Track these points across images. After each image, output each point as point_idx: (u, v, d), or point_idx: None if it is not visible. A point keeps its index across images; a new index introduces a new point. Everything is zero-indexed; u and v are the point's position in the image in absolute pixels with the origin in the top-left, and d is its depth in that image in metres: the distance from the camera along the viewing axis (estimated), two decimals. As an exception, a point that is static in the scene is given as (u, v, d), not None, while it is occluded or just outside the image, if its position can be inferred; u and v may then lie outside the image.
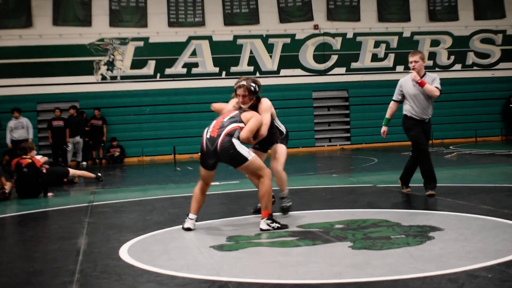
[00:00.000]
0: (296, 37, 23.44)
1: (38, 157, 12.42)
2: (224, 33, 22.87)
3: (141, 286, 4.65)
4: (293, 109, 23.09)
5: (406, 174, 9.28)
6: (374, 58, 24.12)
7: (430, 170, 8.78)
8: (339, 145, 23.73)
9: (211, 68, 22.80)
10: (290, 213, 7.76)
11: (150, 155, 21.87)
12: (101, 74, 22.03)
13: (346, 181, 11.70)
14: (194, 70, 22.67)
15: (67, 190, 12.60)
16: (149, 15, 22.33)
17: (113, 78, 22.09)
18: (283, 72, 23.32)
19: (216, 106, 7.57)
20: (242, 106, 7.06)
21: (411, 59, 8.81)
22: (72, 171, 14.09)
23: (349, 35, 23.87)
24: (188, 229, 6.79)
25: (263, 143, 7.43)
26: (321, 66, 23.66)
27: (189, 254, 5.72)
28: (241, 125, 6.79)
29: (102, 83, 22.01)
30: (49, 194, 11.41)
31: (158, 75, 22.39)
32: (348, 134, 23.96)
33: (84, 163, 20.49)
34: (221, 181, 12.08)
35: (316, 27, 23.56)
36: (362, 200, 9.01)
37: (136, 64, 22.29)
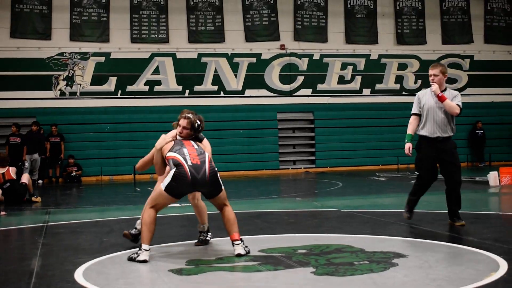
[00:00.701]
0: (262, 57, 23.57)
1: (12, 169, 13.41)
2: (188, 51, 22.90)
3: (96, 311, 4.62)
4: (257, 130, 23.18)
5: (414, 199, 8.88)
6: (341, 80, 24.33)
7: (412, 199, 8.76)
8: (304, 168, 23.81)
9: (174, 86, 22.78)
10: (253, 236, 7.76)
11: (109, 175, 21.68)
12: (60, 90, 21.84)
13: (310, 205, 11.76)
14: (157, 88, 22.62)
15: (22, 209, 12.42)
16: (112, 30, 22.26)
17: (73, 94, 21.93)
18: (248, 92, 23.39)
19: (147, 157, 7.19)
20: (179, 137, 6.98)
21: (431, 72, 8.40)
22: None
23: (316, 56, 24.08)
24: (144, 261, 6.29)
25: None
26: (287, 87, 23.80)
27: (147, 278, 5.70)
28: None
29: (61, 99, 21.82)
30: (2, 213, 11.27)
31: (119, 92, 22.29)
32: (313, 157, 24.06)
33: (40, 181, 20.23)
34: (181, 203, 12.04)
35: (282, 47, 23.73)
36: (326, 224, 9.06)
37: (97, 80, 22.16)
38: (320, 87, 24.09)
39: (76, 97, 21.94)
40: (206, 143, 7.24)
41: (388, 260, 6.10)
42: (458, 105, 8.21)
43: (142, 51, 22.50)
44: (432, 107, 8.39)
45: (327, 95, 24.09)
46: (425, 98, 8.54)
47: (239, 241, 6.60)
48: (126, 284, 5.42)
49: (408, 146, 8.73)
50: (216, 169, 6.79)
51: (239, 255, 6.46)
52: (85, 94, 22.00)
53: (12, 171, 13.56)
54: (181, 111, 7.14)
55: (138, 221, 7.34)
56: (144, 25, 22.56)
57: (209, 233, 7.50)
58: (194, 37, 22.93)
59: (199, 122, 7.02)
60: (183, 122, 6.97)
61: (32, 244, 7.82)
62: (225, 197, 6.87)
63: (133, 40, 22.45)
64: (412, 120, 8.75)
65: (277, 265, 6.03)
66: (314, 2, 24.05)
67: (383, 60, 24.65)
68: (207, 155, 6.81)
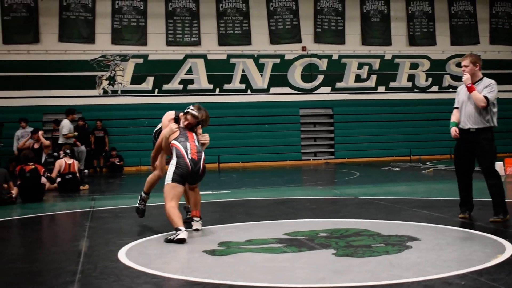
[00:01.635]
0: (285, 58, 23.53)
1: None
2: (218, 53, 22.93)
3: (138, 287, 4.64)
4: (281, 125, 23.16)
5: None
6: (358, 78, 24.22)
7: (461, 196, 7.92)
8: (324, 159, 23.75)
9: (205, 84, 22.84)
10: (277, 221, 7.76)
11: (148, 165, 21.75)
12: (103, 88, 22.03)
13: (330, 192, 11.72)
14: (190, 87, 22.69)
15: (71, 195, 12.52)
16: (149, 34, 22.38)
17: (114, 92, 22.09)
18: (273, 90, 23.37)
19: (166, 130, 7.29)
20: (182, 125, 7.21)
21: (462, 63, 7.64)
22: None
23: (335, 57, 23.98)
24: (183, 240, 6.35)
25: None
26: (308, 85, 23.75)
27: (183, 258, 5.72)
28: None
29: (104, 97, 22.01)
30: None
31: (156, 90, 22.41)
32: (332, 149, 23.99)
33: (86, 171, 20.38)
34: (213, 191, 12.09)
35: (304, 48, 23.66)
36: (345, 210, 9.02)
37: (136, 79, 22.30)
38: (338, 85, 24.01)
39: (118, 95, 22.10)
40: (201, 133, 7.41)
41: (402, 243, 6.06)
42: (485, 96, 7.32)
43: (176, 53, 22.58)
44: (464, 99, 7.70)
45: (345, 92, 24.00)
46: (462, 90, 7.83)
47: (199, 218, 7.22)
48: (164, 263, 5.44)
49: (453, 129, 7.84)
50: (205, 165, 7.10)
51: (196, 230, 7.08)
52: (125, 92, 22.15)
53: (76, 165, 13.72)
54: (193, 105, 7.31)
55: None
56: (178, 30, 22.62)
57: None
58: (223, 40, 22.95)
59: (202, 119, 7.21)
60: (190, 118, 7.17)
61: (80, 227, 7.88)
62: None
63: (168, 43, 22.53)
64: (455, 113, 7.93)
65: (301, 247, 6.02)
66: (333, 8, 23.94)
67: (396, 60, 24.48)
68: (203, 155, 7.08)
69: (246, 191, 12.44)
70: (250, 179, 16.20)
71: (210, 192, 11.75)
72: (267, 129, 23.10)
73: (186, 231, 6.49)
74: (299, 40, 23.58)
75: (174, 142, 6.95)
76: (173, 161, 6.86)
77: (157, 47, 22.42)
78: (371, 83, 24.31)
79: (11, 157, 19.62)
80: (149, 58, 22.38)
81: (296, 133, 23.53)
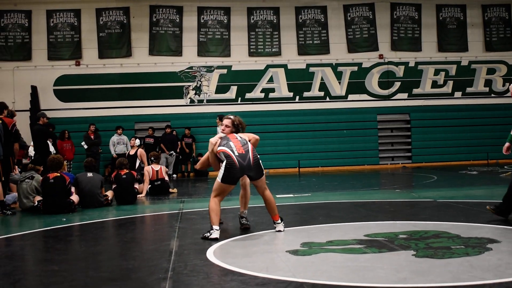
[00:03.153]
0: (363, 66, 23.28)
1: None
2: (298, 62, 22.94)
3: (226, 284, 4.70)
4: (359, 130, 22.92)
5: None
6: (434, 84, 23.68)
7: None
8: (401, 163, 23.32)
9: (286, 93, 22.89)
10: (357, 223, 7.68)
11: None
12: (190, 98, 22.46)
13: (408, 196, 11.49)
14: (271, 95, 22.81)
15: (161, 198, 12.80)
16: (232, 46, 22.65)
17: (200, 101, 22.47)
18: (351, 97, 23.17)
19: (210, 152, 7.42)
20: (222, 134, 7.35)
21: None
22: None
23: (411, 64, 23.54)
24: (216, 239, 6.69)
25: None
26: (385, 92, 23.40)
27: (267, 257, 5.73)
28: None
29: (191, 106, 22.43)
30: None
31: (239, 99, 22.64)
32: (410, 154, 23.52)
33: (174, 175, 20.85)
34: (294, 194, 12.08)
35: (381, 56, 23.35)
36: (423, 213, 8.81)
37: (220, 89, 22.61)
38: (415, 91, 23.54)
39: (203, 104, 22.46)
40: (250, 135, 7.38)
41: (482, 245, 5.87)
42: None
43: (258, 63, 22.75)
44: None
45: (421, 98, 23.51)
46: None
47: (280, 221, 7.19)
48: (250, 262, 5.47)
49: (506, 145, 7.79)
50: (258, 156, 7.09)
51: (279, 231, 7.09)
52: (210, 101, 22.49)
53: (164, 170, 13.92)
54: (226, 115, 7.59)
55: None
56: (260, 41, 22.79)
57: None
58: (303, 50, 22.95)
59: (237, 121, 7.43)
60: (226, 121, 7.39)
61: (170, 228, 8.05)
62: (265, 181, 7.19)
63: (251, 54, 22.74)
64: None
65: (381, 248, 5.94)
66: (409, 16, 23.51)
67: (473, 66, 23.76)
68: (250, 145, 7.09)
69: (326, 194, 12.36)
70: (330, 183, 16.10)
71: (292, 195, 11.74)
72: (346, 135, 22.90)
73: (218, 230, 6.80)
74: (376, 48, 23.29)
75: (219, 148, 7.09)
76: (223, 164, 7.00)
77: (240, 58, 22.67)
78: (448, 88, 23.70)
79: (106, 163, 20.34)
80: (233, 68, 22.65)
81: (374, 138, 23.22)
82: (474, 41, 23.96)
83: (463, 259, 5.29)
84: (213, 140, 7.25)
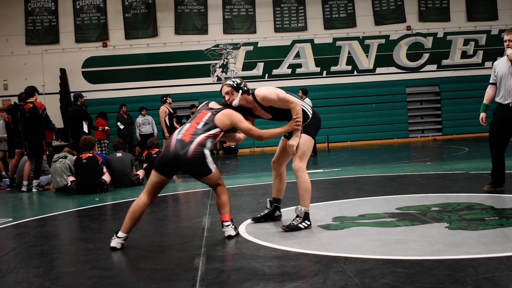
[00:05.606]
0: (390, 38, 22.99)
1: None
2: (324, 36, 22.75)
3: (259, 259, 4.72)
4: (388, 104, 22.71)
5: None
6: (464, 55, 23.31)
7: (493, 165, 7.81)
8: (432, 136, 23.09)
9: (313, 68, 22.75)
10: (389, 196, 7.64)
11: (260, 146, 22.08)
12: (217, 76, 22.47)
13: (440, 168, 11.39)
14: (298, 70, 22.69)
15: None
16: (258, 23, 22.54)
17: (227, 79, 22.40)
18: (379, 70, 22.94)
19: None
20: (230, 104, 6.16)
21: (506, 37, 7.64)
22: None
23: (440, 35, 23.17)
24: (114, 249, 5.37)
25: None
26: (413, 64, 23.11)
27: (299, 232, 5.73)
28: (215, 131, 5.70)
29: (218, 84, 22.41)
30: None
31: (266, 75, 22.57)
32: (440, 126, 23.27)
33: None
34: (324, 169, 12.06)
35: (408, 28, 23.02)
36: (456, 185, 8.73)
37: (247, 66, 22.57)
38: (444, 62, 23.20)
39: (230, 81, 22.40)
40: (249, 127, 6.13)
41: (517, 216, 5.81)
42: None
43: (284, 39, 22.62)
44: (505, 74, 7.49)
45: (451, 69, 23.17)
46: (499, 65, 7.69)
47: (229, 222, 5.67)
48: (282, 238, 5.48)
49: (481, 116, 8.05)
50: (206, 153, 5.53)
51: (229, 237, 5.56)
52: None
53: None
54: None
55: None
56: (285, 16, 22.63)
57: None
58: (329, 24, 22.74)
59: (233, 80, 6.29)
60: (223, 91, 6.27)
61: (202, 205, 8.11)
62: (217, 178, 5.72)
63: (276, 30, 22.60)
64: (488, 90, 7.88)
65: (414, 220, 5.90)
66: (437, -14, 23.12)
67: (503, 35, 23.26)
68: (201, 138, 5.54)
69: (356, 168, 12.31)
70: (359, 157, 16.03)
71: (322, 170, 11.73)
72: (374, 109, 22.72)
73: (120, 238, 5.46)
74: (403, 20, 22.97)
75: None
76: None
77: (265, 34, 22.56)
78: (478, 59, 23.30)
79: (135, 143, 20.47)
80: (259, 45, 22.56)
81: (403, 111, 22.99)
82: (504, 9, 23.45)
83: (498, 230, 5.23)
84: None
